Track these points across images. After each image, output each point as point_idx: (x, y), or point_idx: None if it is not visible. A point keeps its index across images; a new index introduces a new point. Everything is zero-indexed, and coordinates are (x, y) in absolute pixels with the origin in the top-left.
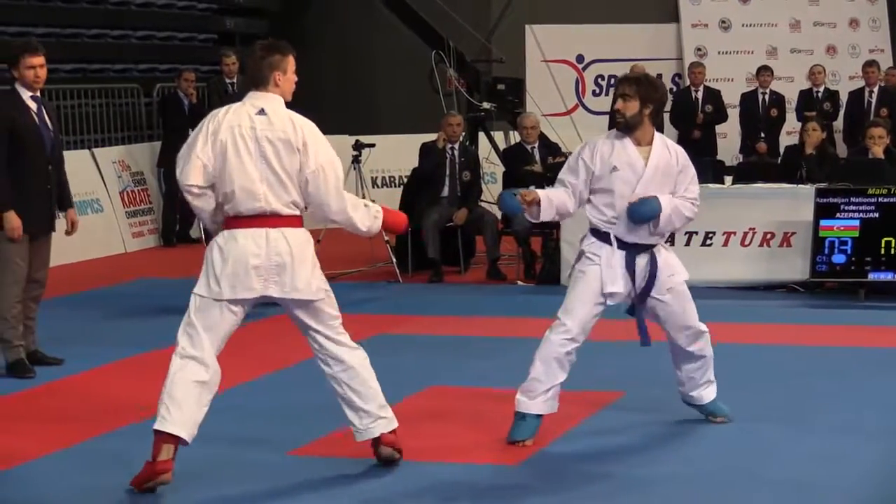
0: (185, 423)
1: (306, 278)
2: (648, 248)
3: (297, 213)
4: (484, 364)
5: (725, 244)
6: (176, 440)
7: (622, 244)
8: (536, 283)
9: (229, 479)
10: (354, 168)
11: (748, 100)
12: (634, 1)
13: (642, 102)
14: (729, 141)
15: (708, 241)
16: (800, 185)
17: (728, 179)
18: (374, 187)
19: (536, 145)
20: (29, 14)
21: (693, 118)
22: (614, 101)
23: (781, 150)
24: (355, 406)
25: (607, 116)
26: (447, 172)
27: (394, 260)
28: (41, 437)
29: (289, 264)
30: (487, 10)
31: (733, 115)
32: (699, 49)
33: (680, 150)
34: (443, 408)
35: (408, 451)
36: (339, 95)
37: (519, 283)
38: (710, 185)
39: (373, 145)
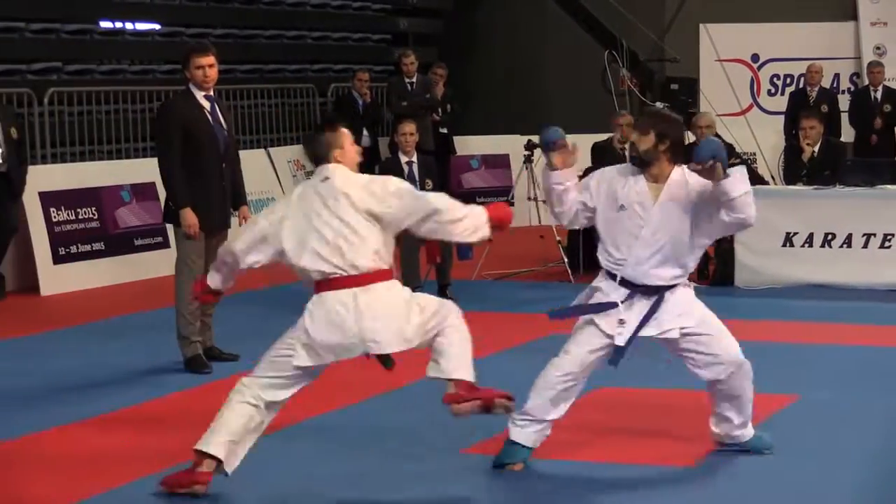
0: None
1: None
2: (658, 291)
3: None
4: (655, 365)
5: None
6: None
7: (630, 285)
8: (709, 284)
9: (404, 478)
10: (526, 168)
11: None
12: None
13: (658, 138)
14: None
15: (886, 243)
16: None
17: None
18: None
19: None
20: (207, 15)
21: (871, 118)
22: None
23: None
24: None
25: (782, 116)
26: None
27: (565, 259)
28: None
29: None
30: (661, 9)
31: None
32: (878, 48)
33: (695, 178)
34: (612, 409)
35: (577, 451)
36: (511, 95)
37: (692, 284)
38: (889, 187)
39: None
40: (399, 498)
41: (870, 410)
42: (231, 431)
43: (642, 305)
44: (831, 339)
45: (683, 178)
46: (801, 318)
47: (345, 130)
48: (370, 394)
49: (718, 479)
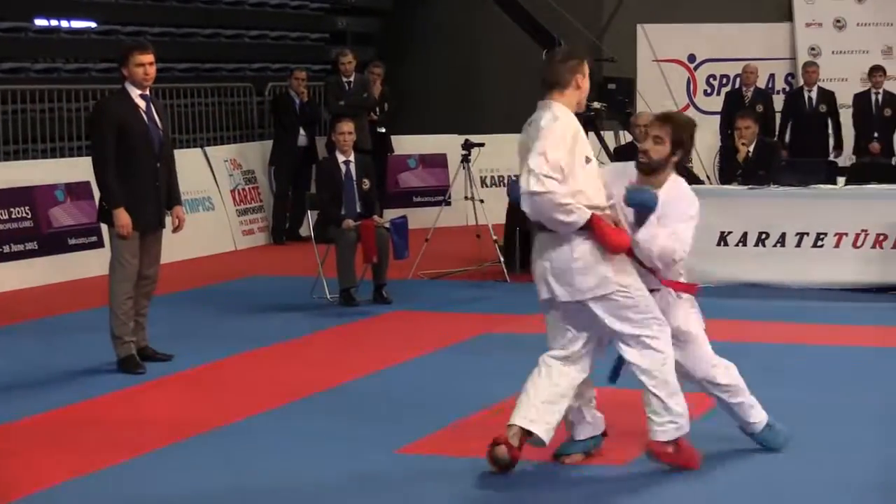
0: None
1: None
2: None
3: None
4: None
5: (837, 245)
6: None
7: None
8: None
9: (337, 475)
10: (464, 167)
11: (861, 100)
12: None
13: (673, 147)
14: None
15: (819, 243)
16: None
17: (841, 180)
18: (483, 186)
19: None
20: (144, 13)
21: (805, 118)
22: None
23: None
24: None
25: (718, 116)
26: None
27: (501, 259)
28: (153, 432)
29: None
30: (599, 10)
31: (847, 115)
32: (813, 49)
33: (683, 194)
34: None
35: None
36: (450, 94)
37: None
38: (823, 187)
39: (482, 144)
40: (333, 498)
41: (801, 408)
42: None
43: None
44: (764, 338)
45: (675, 187)
46: (734, 316)
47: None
48: (304, 394)
49: (645, 479)
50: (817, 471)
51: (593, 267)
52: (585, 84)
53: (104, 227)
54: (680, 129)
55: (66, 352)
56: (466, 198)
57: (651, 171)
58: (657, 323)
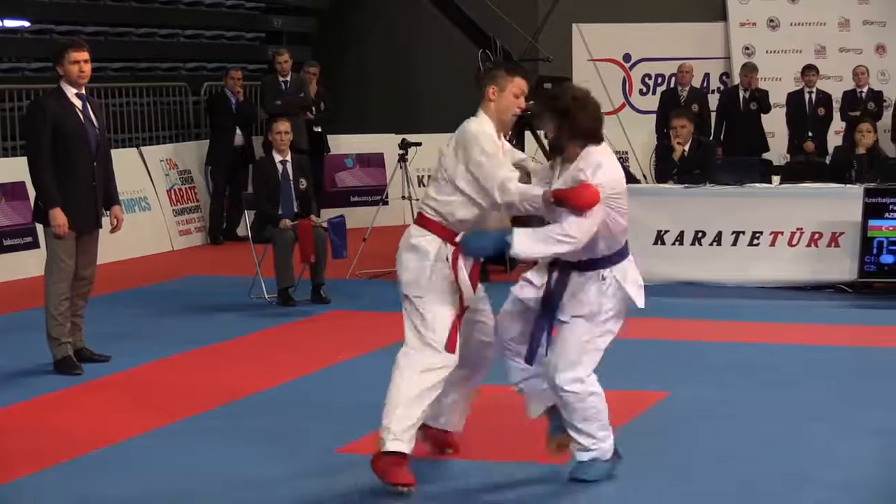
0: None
1: None
2: (564, 266)
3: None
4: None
5: (773, 244)
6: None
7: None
8: None
9: (277, 476)
10: (401, 167)
11: (795, 99)
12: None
13: (559, 117)
14: (777, 140)
15: (755, 241)
16: (848, 185)
17: (776, 179)
18: (420, 186)
19: None
20: (78, 13)
21: (739, 117)
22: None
23: (830, 150)
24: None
25: (654, 115)
26: None
27: None
28: (89, 435)
29: None
30: (534, 9)
31: (781, 114)
32: (747, 48)
33: (588, 167)
34: (489, 407)
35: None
36: (386, 94)
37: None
38: (758, 185)
39: (419, 144)
40: (271, 498)
41: (738, 407)
42: None
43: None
44: (701, 336)
45: (581, 159)
46: (671, 315)
47: (518, 80)
48: (243, 394)
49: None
50: (784, 468)
51: (421, 261)
52: (503, 101)
53: (40, 228)
54: (554, 99)
55: (2, 353)
56: (404, 197)
57: (559, 148)
58: (425, 351)
